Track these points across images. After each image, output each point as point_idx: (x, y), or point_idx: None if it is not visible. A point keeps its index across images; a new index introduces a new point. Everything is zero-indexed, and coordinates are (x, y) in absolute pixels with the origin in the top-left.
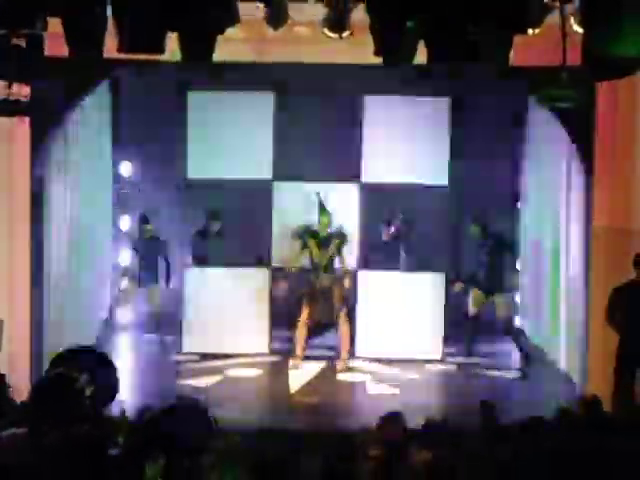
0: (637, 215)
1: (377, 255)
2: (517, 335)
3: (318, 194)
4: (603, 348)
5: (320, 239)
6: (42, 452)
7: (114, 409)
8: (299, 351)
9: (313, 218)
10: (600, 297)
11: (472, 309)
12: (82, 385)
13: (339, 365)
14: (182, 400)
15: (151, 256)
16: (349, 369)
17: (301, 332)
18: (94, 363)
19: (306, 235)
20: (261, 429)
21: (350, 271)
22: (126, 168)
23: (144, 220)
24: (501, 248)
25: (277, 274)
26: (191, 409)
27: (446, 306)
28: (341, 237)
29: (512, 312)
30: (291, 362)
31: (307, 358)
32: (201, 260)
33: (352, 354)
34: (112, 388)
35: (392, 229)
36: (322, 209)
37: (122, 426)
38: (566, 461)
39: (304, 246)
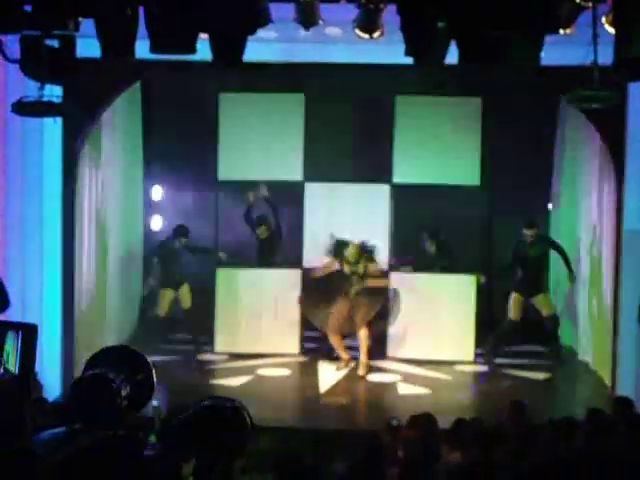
0: None
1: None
2: (555, 334)
3: (333, 235)
4: (634, 349)
5: (351, 254)
6: (79, 453)
7: (149, 409)
8: (344, 354)
9: (343, 220)
10: (631, 298)
11: (515, 313)
12: (118, 386)
13: (360, 370)
14: (217, 400)
15: (176, 257)
16: (370, 371)
17: (336, 338)
18: (130, 363)
19: (338, 253)
20: (291, 429)
21: (382, 275)
22: (157, 168)
23: (181, 232)
24: (547, 249)
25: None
26: (227, 410)
27: (478, 307)
28: (367, 258)
29: (555, 310)
30: (341, 365)
31: (337, 359)
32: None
33: (383, 354)
34: (148, 388)
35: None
36: (343, 245)
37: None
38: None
39: (336, 256)
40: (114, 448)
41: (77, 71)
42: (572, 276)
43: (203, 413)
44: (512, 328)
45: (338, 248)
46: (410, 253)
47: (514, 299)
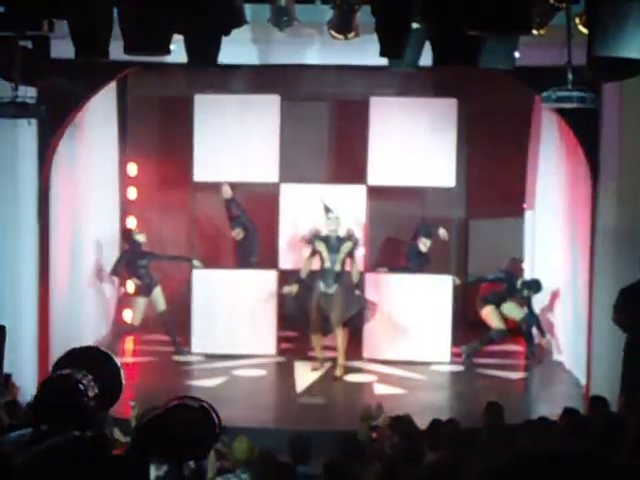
0: None
1: (412, 264)
2: (529, 334)
3: (322, 199)
4: (609, 349)
5: (331, 243)
6: (45, 454)
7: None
8: (319, 354)
9: (320, 221)
10: (606, 297)
11: (498, 322)
12: (85, 386)
13: (337, 371)
14: (186, 400)
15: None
16: (347, 372)
17: (315, 337)
18: (98, 363)
19: (316, 240)
20: (267, 429)
21: (362, 273)
22: (132, 168)
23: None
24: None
25: (286, 277)
26: (195, 410)
27: (453, 308)
28: (353, 240)
29: (525, 312)
30: (312, 366)
31: (313, 359)
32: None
33: (359, 355)
34: (116, 388)
35: (429, 242)
36: (328, 212)
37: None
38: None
39: (313, 252)
40: (81, 448)
41: (51, 72)
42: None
43: (171, 413)
44: (500, 337)
45: (316, 238)
46: (385, 254)
47: (489, 311)
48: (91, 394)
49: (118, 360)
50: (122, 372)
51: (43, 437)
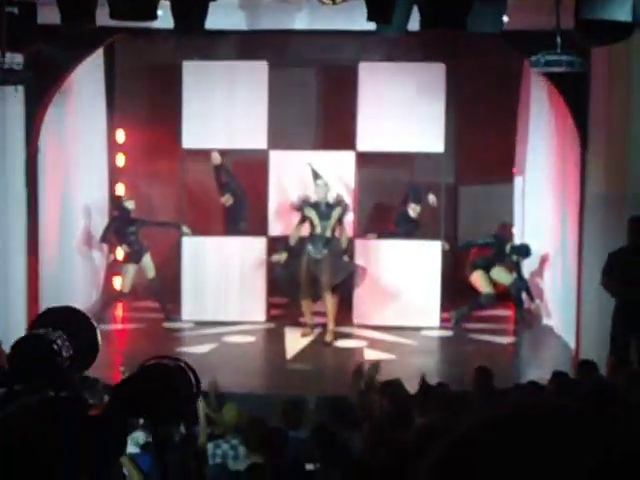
0: (631, 181)
1: (401, 230)
2: (518, 299)
3: (310, 164)
4: (598, 313)
5: (321, 209)
6: (17, 414)
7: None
8: (309, 320)
9: (309, 187)
10: (595, 262)
11: (487, 287)
12: (60, 346)
13: (327, 337)
14: (163, 359)
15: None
16: (337, 338)
17: (305, 302)
18: (74, 323)
19: (306, 207)
20: (257, 395)
21: (351, 239)
22: (120, 135)
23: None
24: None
25: (275, 244)
26: (171, 368)
27: (442, 273)
28: (342, 206)
29: (514, 277)
30: (302, 332)
31: (303, 325)
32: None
33: (349, 321)
34: (92, 349)
35: (418, 208)
36: (316, 176)
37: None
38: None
39: (303, 219)
40: (55, 408)
41: (38, 38)
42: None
43: (146, 372)
44: (489, 301)
45: (305, 204)
46: (374, 220)
47: (478, 276)
48: (65, 354)
49: (108, 327)
50: (98, 333)
51: (16, 397)
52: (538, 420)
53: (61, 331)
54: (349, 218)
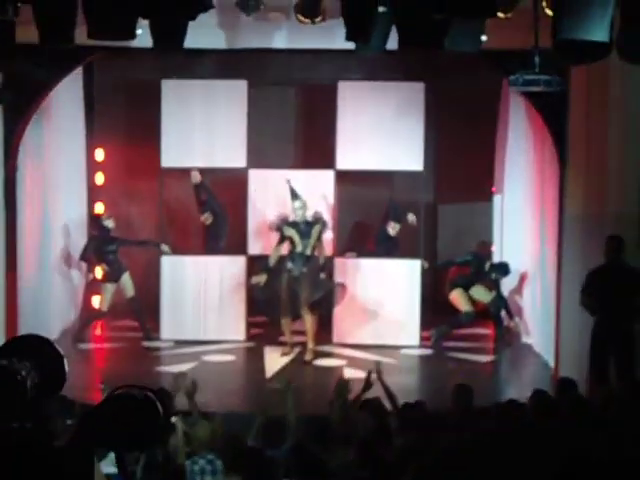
0: (610, 200)
1: (380, 248)
2: (498, 317)
3: (288, 181)
4: (577, 332)
5: (300, 228)
6: None
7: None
8: (288, 339)
9: (288, 206)
10: (573, 282)
11: (467, 305)
12: (24, 376)
13: (307, 356)
14: (131, 389)
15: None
16: (316, 357)
17: (286, 320)
18: (38, 350)
19: (285, 226)
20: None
21: (329, 257)
22: (99, 154)
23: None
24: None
25: (255, 263)
26: (137, 400)
27: (422, 292)
28: (321, 223)
29: (493, 295)
30: (281, 351)
31: (283, 344)
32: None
33: (329, 340)
34: (59, 374)
35: (397, 226)
36: (294, 196)
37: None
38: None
39: (282, 239)
40: (19, 441)
41: (16, 57)
42: None
43: (113, 402)
44: (469, 320)
45: (285, 224)
46: (354, 238)
47: (457, 295)
48: (30, 383)
49: (87, 346)
50: (64, 358)
51: None
52: (499, 445)
53: (26, 360)
54: (328, 236)
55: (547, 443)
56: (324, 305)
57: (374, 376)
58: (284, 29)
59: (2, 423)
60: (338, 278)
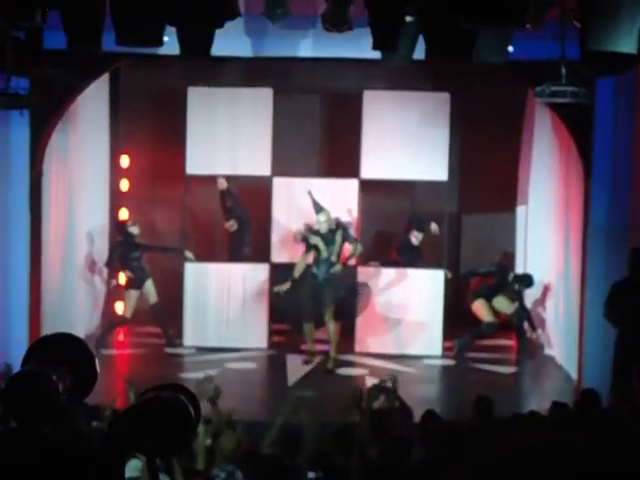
0: (635, 212)
1: (403, 257)
2: (520, 329)
3: (310, 193)
4: (600, 344)
5: (324, 234)
6: (15, 453)
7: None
8: (311, 347)
9: (312, 215)
10: (598, 293)
11: (489, 316)
12: (56, 381)
13: (329, 364)
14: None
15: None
16: (339, 365)
17: (309, 327)
18: (72, 351)
19: (310, 235)
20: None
21: (355, 265)
22: (124, 160)
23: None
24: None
25: (278, 271)
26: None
27: (445, 302)
28: (343, 229)
29: (517, 306)
30: (303, 359)
31: (305, 352)
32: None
33: (351, 349)
34: (91, 377)
35: (421, 235)
36: (318, 209)
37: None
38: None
39: (309, 248)
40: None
41: (44, 63)
42: None
43: (144, 406)
44: (491, 330)
45: (310, 233)
46: (377, 248)
47: (480, 305)
48: (62, 388)
49: (110, 352)
50: (97, 360)
51: (12, 434)
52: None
53: (58, 361)
54: (351, 232)
55: (564, 456)
56: (347, 313)
57: (388, 384)
58: (310, 37)
59: (34, 429)
60: (361, 286)
